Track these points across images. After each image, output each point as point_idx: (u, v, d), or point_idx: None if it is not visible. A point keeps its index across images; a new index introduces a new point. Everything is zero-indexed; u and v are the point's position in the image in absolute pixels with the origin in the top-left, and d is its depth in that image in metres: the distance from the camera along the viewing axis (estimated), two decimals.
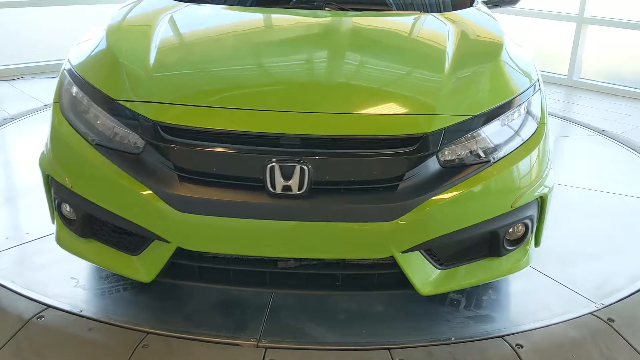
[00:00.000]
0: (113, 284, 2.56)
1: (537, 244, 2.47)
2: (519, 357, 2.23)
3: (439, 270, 2.21)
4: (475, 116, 2.16)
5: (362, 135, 2.03)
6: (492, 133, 2.19)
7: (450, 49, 2.46)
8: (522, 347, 2.27)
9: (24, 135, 4.41)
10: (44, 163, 2.33)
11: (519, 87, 2.36)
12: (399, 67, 2.44)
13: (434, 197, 2.06)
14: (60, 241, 2.39)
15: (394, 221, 2.03)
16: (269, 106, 2.09)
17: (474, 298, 2.57)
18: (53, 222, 2.43)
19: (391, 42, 2.64)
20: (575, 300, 2.60)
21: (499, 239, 2.24)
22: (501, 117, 2.22)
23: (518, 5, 3.70)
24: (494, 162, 2.16)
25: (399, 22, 2.81)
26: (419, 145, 2.05)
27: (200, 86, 2.21)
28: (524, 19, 7.35)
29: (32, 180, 3.29)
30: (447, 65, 2.33)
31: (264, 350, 2.20)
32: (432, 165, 2.09)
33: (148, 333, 2.26)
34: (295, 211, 2.01)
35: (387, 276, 2.19)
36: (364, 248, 2.08)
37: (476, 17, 2.96)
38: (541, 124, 2.35)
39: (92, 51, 2.45)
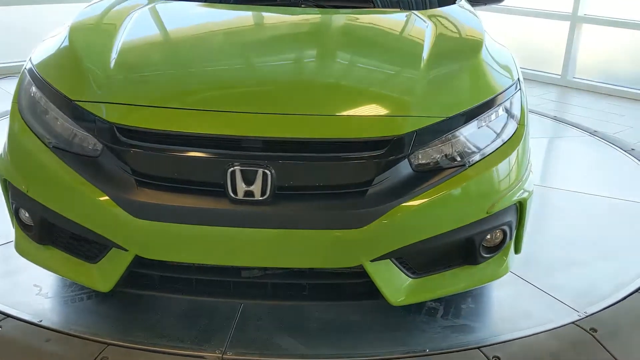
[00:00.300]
0: (76, 292, 2.46)
1: (517, 250, 2.37)
2: None
3: (412, 279, 2.11)
4: (449, 118, 2.05)
5: (328, 138, 1.93)
6: (467, 135, 2.09)
7: (427, 47, 2.36)
8: (499, 359, 2.17)
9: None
10: (1, 166, 2.23)
11: (497, 87, 2.26)
12: (371, 66, 2.34)
13: (404, 203, 1.96)
14: (18, 248, 2.29)
15: (363, 228, 1.93)
16: (229, 107, 1.99)
17: (452, 307, 2.46)
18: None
19: (365, 40, 2.53)
20: (558, 309, 2.50)
21: (474, 246, 2.14)
22: (478, 119, 2.12)
23: (511, 3, 3.61)
24: (469, 166, 2.06)
25: (375, 19, 2.71)
26: (388, 148, 1.95)
27: (159, 87, 2.11)
28: (518, 17, 7.26)
29: None
30: (422, 65, 2.23)
31: None
32: (404, 169, 1.99)
33: (108, 344, 2.16)
34: (257, 218, 1.91)
35: (358, 285, 2.09)
36: (330, 257, 1.98)
37: (458, 15, 2.86)
38: (521, 125, 2.25)
39: (54, 50, 2.35)
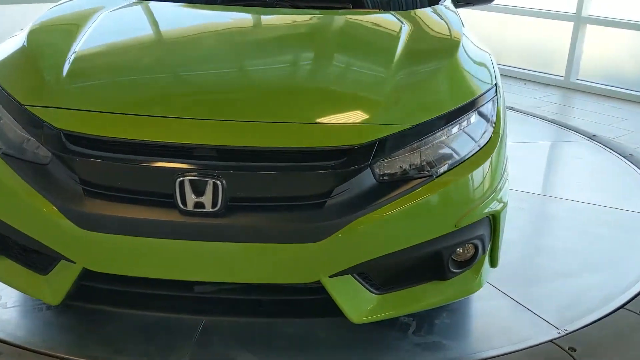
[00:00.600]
0: (37, 302, 2.37)
1: (493, 264, 2.26)
2: None
3: (376, 296, 2.01)
4: (416, 126, 1.94)
5: (282, 147, 1.83)
6: (436, 144, 1.98)
7: (399, 50, 2.25)
8: None
9: None
10: None
11: (472, 92, 2.15)
12: (335, 70, 2.23)
13: (365, 216, 1.85)
14: None
15: (319, 242, 1.82)
16: (177, 113, 1.89)
17: (426, 322, 2.35)
18: None
19: (333, 42, 2.42)
20: (537, 325, 2.38)
21: (442, 261, 2.03)
22: (448, 126, 2.00)
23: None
24: (437, 177, 1.95)
25: (349, 20, 2.60)
26: (347, 158, 1.84)
27: (107, 92, 2.02)
28: (521, 18, 7.12)
29: None
30: (391, 69, 2.13)
31: None
32: (366, 180, 1.88)
33: (62, 359, 2.08)
34: (208, 230, 1.81)
35: (317, 302, 1.98)
36: (286, 272, 1.88)
37: (438, 15, 2.73)
38: (496, 133, 2.13)
39: (10, 52, 2.26)
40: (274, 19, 2.60)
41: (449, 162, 1.98)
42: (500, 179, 2.12)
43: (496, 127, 2.15)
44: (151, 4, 2.65)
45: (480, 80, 2.25)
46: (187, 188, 1.78)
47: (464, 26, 2.66)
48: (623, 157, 4.26)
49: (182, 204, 1.79)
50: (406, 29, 2.46)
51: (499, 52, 7.39)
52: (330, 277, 1.89)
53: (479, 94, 2.14)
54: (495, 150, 2.08)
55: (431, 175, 1.95)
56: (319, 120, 1.89)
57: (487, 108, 2.15)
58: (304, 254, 1.84)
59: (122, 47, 2.34)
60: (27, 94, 2.01)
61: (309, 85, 2.11)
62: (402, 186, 1.92)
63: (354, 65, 2.24)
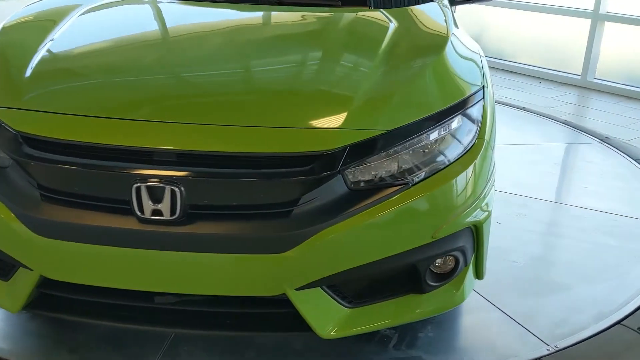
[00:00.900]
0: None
1: (478, 276, 2.14)
2: None
3: (349, 309, 1.90)
4: (391, 131, 1.83)
5: (245, 153, 1.73)
6: (414, 150, 1.87)
7: (381, 50, 2.13)
8: None
9: None
10: None
11: (455, 95, 2.03)
12: (309, 72, 2.12)
13: (335, 225, 1.75)
14: None
15: (285, 253, 1.73)
16: (136, 116, 1.80)
17: (408, 335, 2.24)
18: None
19: (311, 43, 2.31)
20: (527, 341, 2.26)
21: (419, 274, 1.92)
22: (428, 132, 1.89)
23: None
24: (413, 185, 1.84)
25: (331, 19, 2.49)
26: (314, 165, 1.74)
27: (67, 94, 1.94)
28: (537, 15, 6.93)
29: None
30: (369, 71, 2.02)
31: None
32: (337, 187, 1.78)
33: None
34: (167, 240, 1.72)
35: (285, 315, 1.89)
36: (249, 284, 1.79)
37: (430, 14, 2.61)
38: (480, 139, 2.01)
39: None
40: (251, 17, 2.50)
41: (427, 169, 1.87)
42: (485, 187, 2.00)
43: (481, 132, 2.02)
44: (127, 4, 2.57)
45: (466, 81, 2.13)
46: (144, 195, 1.70)
47: (456, 25, 2.53)
48: (634, 160, 4.09)
49: (140, 212, 1.71)
50: (393, 27, 2.34)
51: (514, 50, 7.25)
52: (297, 289, 1.79)
53: (463, 96, 2.02)
54: (479, 157, 1.96)
55: (407, 183, 1.83)
56: (285, 124, 1.79)
57: (473, 111, 2.03)
58: (268, 265, 1.75)
59: (89, 48, 2.25)
60: None
61: (278, 87, 2.00)
62: (375, 194, 1.81)
63: (331, 66, 2.12)
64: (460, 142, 1.95)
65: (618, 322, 2.37)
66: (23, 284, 1.87)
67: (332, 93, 1.95)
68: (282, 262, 1.74)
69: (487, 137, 2.03)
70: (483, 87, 2.14)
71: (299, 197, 1.75)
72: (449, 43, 2.23)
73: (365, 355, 2.15)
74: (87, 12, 2.38)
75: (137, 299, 1.87)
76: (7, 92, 1.92)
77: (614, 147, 4.38)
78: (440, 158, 1.90)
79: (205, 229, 1.72)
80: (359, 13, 2.52)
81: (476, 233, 2.00)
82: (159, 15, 2.48)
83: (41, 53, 2.06)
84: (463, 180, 1.91)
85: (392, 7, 2.63)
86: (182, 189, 1.69)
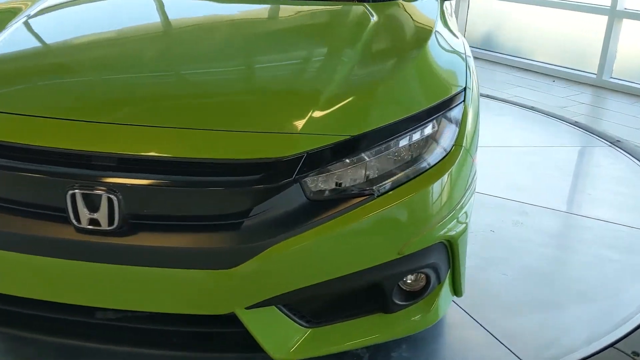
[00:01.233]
0: None
1: (456, 293, 1.98)
2: None
3: (306, 329, 1.75)
4: (355, 137, 1.67)
5: (190, 158, 1.58)
6: (381, 157, 1.70)
7: (354, 48, 1.98)
8: None
9: None
10: None
11: (432, 97, 1.86)
12: (273, 73, 1.95)
13: (290, 239, 1.60)
14: None
15: (233, 269, 1.58)
16: (70, 115, 1.65)
17: (381, 355, 2.09)
18: None
19: (279, 40, 2.15)
20: None
21: (384, 293, 1.76)
22: (397, 138, 1.73)
23: None
24: (378, 196, 1.68)
25: (305, 13, 2.32)
26: (267, 173, 1.59)
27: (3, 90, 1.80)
28: (553, 11, 6.69)
29: None
30: (338, 70, 1.85)
31: None
32: (294, 198, 1.62)
33: None
34: (105, 251, 1.58)
35: (237, 335, 1.74)
36: (195, 301, 1.65)
37: (419, 8, 2.43)
38: (458, 146, 1.84)
39: None
40: (212, 12, 2.34)
41: (395, 178, 1.71)
42: (461, 200, 1.83)
43: (459, 137, 1.85)
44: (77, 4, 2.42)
45: (446, 83, 1.96)
46: (80, 203, 1.56)
47: (445, 21, 2.36)
48: None
49: (76, 221, 1.57)
50: (373, 23, 2.18)
51: (530, 47, 7.01)
52: (247, 308, 1.65)
53: (441, 98, 1.86)
54: (454, 166, 1.79)
55: (372, 194, 1.68)
56: (236, 127, 1.63)
57: (451, 115, 1.86)
58: (214, 282, 1.60)
59: (28, 47, 2.10)
60: None
61: (234, 87, 1.84)
62: (336, 205, 1.65)
63: (296, 66, 1.97)
64: (434, 149, 1.79)
65: (611, 345, 2.19)
66: None
67: (294, 95, 1.79)
68: (230, 279, 1.59)
69: (466, 143, 1.86)
70: (465, 88, 1.97)
71: (250, 208, 1.60)
72: (429, 41, 2.06)
73: None
74: (36, 15, 2.24)
75: (77, 313, 1.73)
76: None
77: (624, 150, 4.17)
78: (411, 167, 1.74)
79: (147, 240, 1.58)
80: (338, 6, 2.35)
81: (450, 248, 1.83)
82: (109, 11, 2.33)
83: None
84: (435, 191, 1.75)
85: (379, 1, 2.46)
86: (120, 197, 1.55)
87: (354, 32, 2.07)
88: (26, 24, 2.15)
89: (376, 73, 1.87)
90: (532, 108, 5.11)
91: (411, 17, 2.36)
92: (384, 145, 1.71)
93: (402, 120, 1.75)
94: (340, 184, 1.67)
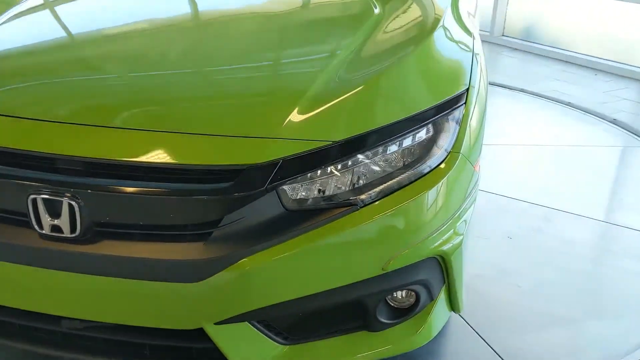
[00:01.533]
0: None
1: (454, 309, 1.85)
2: None
3: (283, 347, 1.64)
4: (338, 142, 1.54)
5: (156, 163, 1.47)
6: (365, 166, 1.57)
7: (347, 44, 1.84)
8: None
9: None
10: None
11: (427, 100, 1.71)
12: (256, 71, 1.81)
13: (263, 252, 1.49)
14: None
15: (201, 282, 1.48)
16: (31, 114, 1.57)
17: None
18: None
19: (267, 35, 2.01)
20: None
21: (367, 310, 1.64)
22: (384, 144, 1.59)
23: None
24: (362, 207, 1.55)
25: (300, 5, 2.18)
26: (238, 180, 1.48)
27: None
28: (599, 0, 6.37)
29: None
30: (325, 70, 1.71)
31: None
32: (269, 207, 1.51)
33: None
34: (67, 259, 1.50)
35: (209, 351, 1.63)
36: (160, 315, 1.55)
37: (429, 3, 2.27)
38: (455, 153, 1.69)
39: None
40: (200, 3, 2.22)
41: (381, 188, 1.57)
42: (456, 212, 1.69)
43: (457, 144, 1.70)
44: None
45: (446, 83, 1.81)
46: (41, 208, 1.48)
47: (456, 14, 2.20)
48: None
49: (38, 226, 1.50)
50: (374, 15, 2.03)
51: (572, 39, 6.69)
52: (216, 324, 1.55)
53: (437, 102, 1.71)
54: (449, 175, 1.65)
55: (355, 205, 1.55)
56: (205, 130, 1.51)
57: (448, 119, 1.71)
58: (181, 295, 1.50)
59: (20, 39, 2.03)
60: None
61: (209, 86, 1.72)
62: (315, 216, 1.53)
63: (279, 64, 1.84)
64: (427, 156, 1.64)
65: None
66: None
67: (271, 96, 1.66)
68: (198, 293, 1.49)
69: (464, 149, 1.71)
70: (468, 89, 1.81)
71: (220, 218, 1.49)
72: (431, 38, 1.91)
73: None
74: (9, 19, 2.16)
75: (47, 321, 1.66)
76: None
77: None
78: (399, 176, 1.60)
79: (111, 249, 1.49)
80: None
81: (444, 264, 1.69)
82: (81, 12, 2.23)
83: None
84: (426, 202, 1.61)
85: None
86: (81, 203, 1.46)
87: (351, 27, 1.94)
88: None
89: (366, 73, 1.72)
90: (569, 104, 4.86)
91: (419, 11, 2.20)
92: (370, 152, 1.58)
93: (391, 125, 1.61)
94: (320, 194, 1.55)
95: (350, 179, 1.56)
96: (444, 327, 2.13)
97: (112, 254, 1.49)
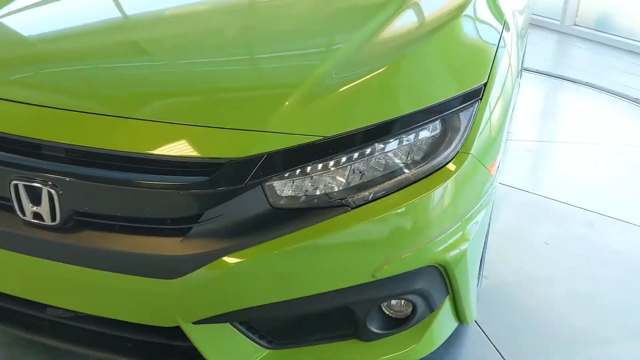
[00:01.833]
0: None
1: (462, 321, 1.72)
2: None
3: (267, 351, 1.56)
4: (328, 139, 1.44)
5: (133, 152, 1.41)
6: (359, 164, 1.46)
7: (355, 34, 1.72)
8: None
9: None
10: None
11: (436, 94, 1.56)
12: (253, 59, 1.71)
13: (245, 250, 1.41)
14: None
15: (178, 280, 1.41)
16: (10, 95, 1.53)
17: None
18: None
19: (268, 22, 1.90)
20: None
21: (355, 318, 1.53)
22: (382, 141, 1.47)
23: None
24: (354, 208, 1.44)
25: None
26: (217, 174, 1.40)
27: None
28: None
29: None
30: (325, 63, 1.59)
31: None
32: (253, 204, 1.42)
33: None
34: (46, 247, 1.47)
35: (191, 349, 1.57)
36: (137, 310, 1.50)
37: None
38: (464, 153, 1.55)
39: None
40: None
41: (376, 189, 1.46)
42: (461, 219, 1.55)
43: (467, 144, 1.56)
44: None
45: (457, 78, 1.66)
46: (23, 194, 1.45)
47: (490, 2, 2.03)
48: None
49: (21, 212, 1.47)
50: (394, 6, 1.90)
51: None
52: (195, 323, 1.48)
53: (445, 97, 1.57)
54: (453, 179, 1.51)
55: (347, 205, 1.44)
56: (189, 120, 1.43)
57: (458, 117, 1.57)
58: (156, 292, 1.44)
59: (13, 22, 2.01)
60: None
61: (191, 76, 1.61)
62: (302, 216, 1.44)
63: (281, 53, 1.72)
64: (429, 156, 1.51)
65: None
66: None
67: (264, 87, 1.56)
68: (174, 290, 1.43)
69: (476, 150, 1.57)
70: (485, 84, 1.66)
71: (201, 213, 1.42)
72: (446, 29, 1.77)
73: None
74: None
75: (31, 307, 1.64)
76: None
77: None
78: (398, 176, 1.48)
79: (89, 240, 1.45)
80: None
81: (446, 274, 1.56)
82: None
83: None
84: (424, 207, 1.48)
85: None
86: (60, 190, 1.42)
87: (362, 13, 1.81)
88: None
89: (366, 67, 1.59)
90: (635, 100, 4.53)
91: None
92: (367, 149, 1.46)
93: (390, 122, 1.49)
94: (309, 192, 1.45)
95: (342, 178, 1.46)
96: (457, 335, 2.01)
97: (90, 246, 1.44)
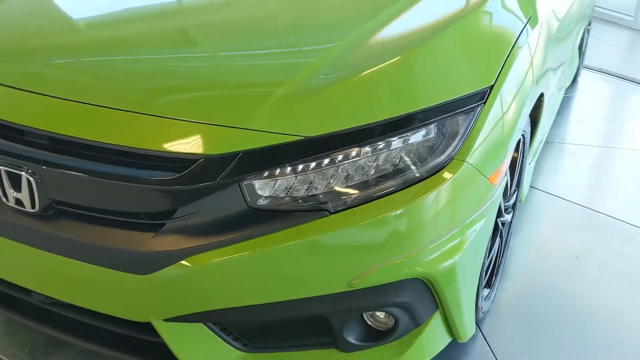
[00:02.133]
0: None
1: (456, 337, 1.63)
2: None
3: (241, 353, 1.52)
4: (310, 139, 1.37)
5: (107, 143, 1.37)
6: (343, 167, 1.39)
7: (357, 27, 1.64)
8: None
9: None
10: None
11: (433, 96, 1.47)
12: (244, 54, 1.65)
13: (218, 250, 1.37)
14: None
15: (148, 276, 1.39)
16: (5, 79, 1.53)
17: None
18: None
19: (270, 17, 1.83)
20: None
21: (331, 328, 1.46)
22: (368, 144, 1.39)
23: None
24: (334, 212, 1.38)
25: None
26: (190, 171, 1.35)
27: None
28: None
29: None
30: (315, 62, 1.52)
31: None
32: (229, 203, 1.38)
33: None
34: (26, 233, 1.48)
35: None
36: (109, 302, 1.48)
37: None
38: (459, 160, 1.45)
39: None
40: None
41: (358, 194, 1.39)
42: (451, 231, 1.46)
43: (464, 150, 1.46)
44: None
45: (462, 79, 1.55)
46: (5, 179, 1.46)
47: None
48: None
49: (4, 197, 1.48)
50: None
51: None
52: (166, 320, 1.45)
53: (443, 100, 1.47)
54: (444, 187, 1.42)
55: (326, 210, 1.38)
56: (168, 114, 1.39)
57: (455, 122, 1.48)
58: (128, 286, 1.42)
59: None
60: None
61: (178, 69, 1.56)
62: (279, 218, 1.38)
63: (271, 51, 1.64)
64: (418, 162, 1.42)
65: None
66: None
67: (247, 84, 1.49)
68: (144, 286, 1.40)
69: (473, 158, 1.47)
70: (491, 86, 1.55)
71: (174, 209, 1.38)
72: (457, 25, 1.66)
73: None
74: None
75: (17, 290, 1.66)
76: None
77: None
78: (382, 183, 1.40)
79: (66, 230, 1.44)
80: None
81: (433, 288, 1.47)
82: None
83: None
84: (408, 217, 1.39)
85: None
86: (37, 178, 1.42)
87: (361, 12, 1.72)
88: None
89: (359, 64, 1.50)
90: None
91: None
92: (348, 153, 1.39)
93: (376, 124, 1.40)
94: (288, 194, 1.39)
95: (322, 181, 1.39)
96: (459, 347, 1.91)
97: (67, 235, 1.44)
